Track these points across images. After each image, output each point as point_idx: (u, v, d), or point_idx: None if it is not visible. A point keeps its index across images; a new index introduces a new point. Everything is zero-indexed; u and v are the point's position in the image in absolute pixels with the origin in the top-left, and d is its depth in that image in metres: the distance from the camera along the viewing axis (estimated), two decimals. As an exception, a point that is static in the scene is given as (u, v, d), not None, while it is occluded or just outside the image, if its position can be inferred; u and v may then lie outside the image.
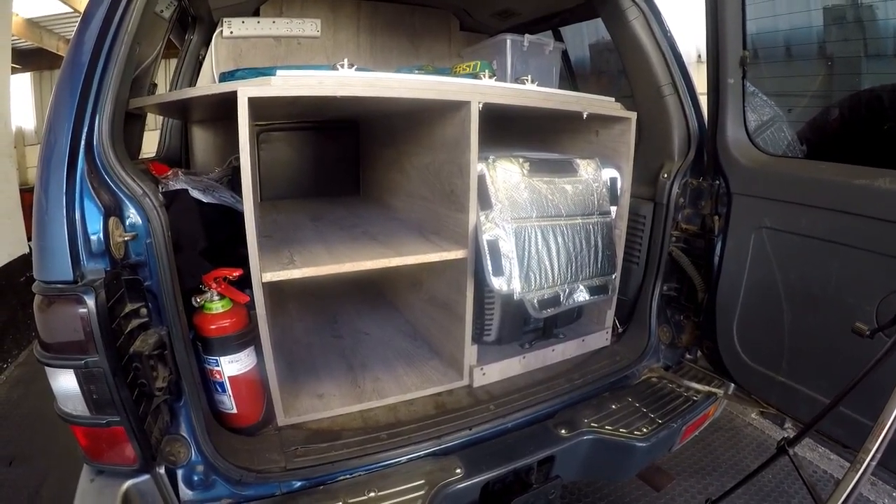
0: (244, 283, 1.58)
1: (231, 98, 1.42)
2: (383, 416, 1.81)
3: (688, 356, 2.28)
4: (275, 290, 1.84)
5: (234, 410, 1.66)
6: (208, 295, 1.60)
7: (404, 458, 1.59)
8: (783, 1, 3.31)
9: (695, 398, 1.98)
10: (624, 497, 2.48)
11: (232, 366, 1.62)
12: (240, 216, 1.46)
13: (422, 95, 1.69)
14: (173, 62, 3.16)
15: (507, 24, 3.15)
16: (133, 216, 1.33)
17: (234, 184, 2.45)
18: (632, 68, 2.34)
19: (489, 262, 1.73)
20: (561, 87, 3.12)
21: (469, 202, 1.76)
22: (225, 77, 2.51)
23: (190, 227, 1.92)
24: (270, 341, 1.60)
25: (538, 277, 1.81)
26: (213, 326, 1.58)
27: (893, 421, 1.14)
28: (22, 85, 10.87)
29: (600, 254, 1.99)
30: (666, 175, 2.18)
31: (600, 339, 2.29)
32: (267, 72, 1.66)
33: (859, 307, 1.57)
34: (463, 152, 1.75)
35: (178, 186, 2.07)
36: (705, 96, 2.04)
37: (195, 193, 2.06)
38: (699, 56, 4.32)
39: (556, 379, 2.03)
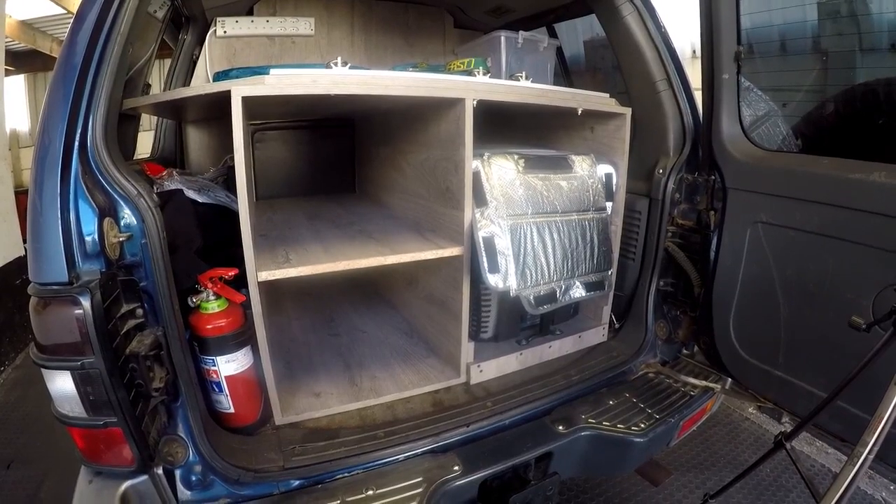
0: (240, 282, 1.58)
1: (225, 98, 1.42)
2: (381, 414, 1.81)
3: (685, 351, 2.29)
4: (271, 289, 1.83)
5: (232, 410, 1.66)
6: (204, 295, 1.59)
7: (402, 456, 1.59)
8: (777, -5, 3.31)
9: (692, 393, 1.98)
10: (622, 492, 2.48)
11: (229, 365, 1.61)
12: (235, 215, 1.45)
13: (416, 93, 1.69)
14: (167, 62, 3.15)
15: (502, 21, 3.15)
16: (128, 217, 1.33)
17: (230, 183, 2.44)
18: (626, 64, 2.34)
19: (485, 259, 1.73)
20: (556, 83, 3.13)
21: (464, 199, 1.76)
22: (219, 76, 2.50)
23: (185, 227, 1.91)
24: (267, 340, 1.60)
25: (534, 274, 1.81)
26: (209, 326, 1.58)
27: (890, 415, 1.15)
28: (16, 87, 10.85)
29: (596, 250, 1.99)
30: (661, 170, 2.18)
31: (597, 335, 2.29)
32: (261, 71, 1.65)
33: (855, 301, 1.57)
34: (458, 149, 1.75)
35: (173, 186, 2.07)
36: (700, 92, 2.04)
37: (190, 193, 2.06)
38: (694, 51, 4.33)
39: (553, 375, 2.03)
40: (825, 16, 3.05)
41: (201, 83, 2.80)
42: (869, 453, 1.17)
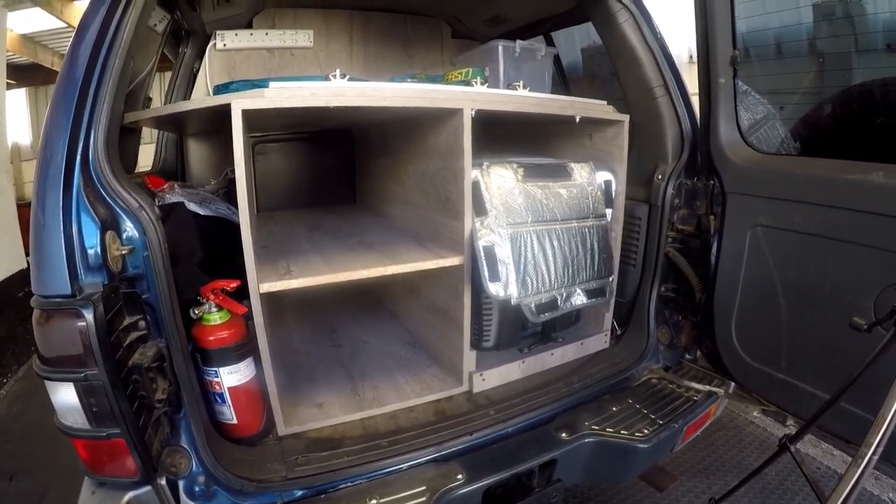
0: (242, 294, 1.59)
1: (225, 110, 1.43)
2: (384, 424, 1.80)
3: (687, 356, 2.28)
4: (273, 301, 1.84)
5: (235, 421, 1.66)
6: (206, 307, 1.60)
7: (405, 465, 1.58)
8: (772, -1, 3.34)
9: (695, 398, 1.98)
10: (627, 499, 2.47)
11: (231, 377, 1.62)
12: (236, 228, 1.46)
13: (414, 104, 1.70)
14: (167, 75, 3.17)
15: (499, 31, 3.17)
16: (130, 229, 1.34)
17: (231, 196, 2.45)
18: (623, 71, 2.35)
19: (486, 268, 1.74)
20: (553, 91, 3.14)
21: (464, 209, 1.77)
22: (219, 90, 2.52)
23: (187, 240, 1.92)
24: (269, 351, 1.60)
25: (535, 282, 1.81)
26: (211, 338, 1.58)
27: (894, 414, 1.15)
28: (17, 100, 10.92)
29: (596, 257, 1.99)
30: (660, 176, 2.18)
31: (599, 341, 2.29)
32: (260, 84, 1.67)
33: (857, 302, 1.57)
34: (457, 159, 1.76)
35: (175, 199, 2.08)
36: (697, 97, 2.05)
37: (192, 206, 2.07)
38: (690, 56, 4.35)
39: (555, 383, 2.02)
40: (820, 18, 3.07)
41: (202, 96, 2.82)
42: (873, 454, 1.16)
